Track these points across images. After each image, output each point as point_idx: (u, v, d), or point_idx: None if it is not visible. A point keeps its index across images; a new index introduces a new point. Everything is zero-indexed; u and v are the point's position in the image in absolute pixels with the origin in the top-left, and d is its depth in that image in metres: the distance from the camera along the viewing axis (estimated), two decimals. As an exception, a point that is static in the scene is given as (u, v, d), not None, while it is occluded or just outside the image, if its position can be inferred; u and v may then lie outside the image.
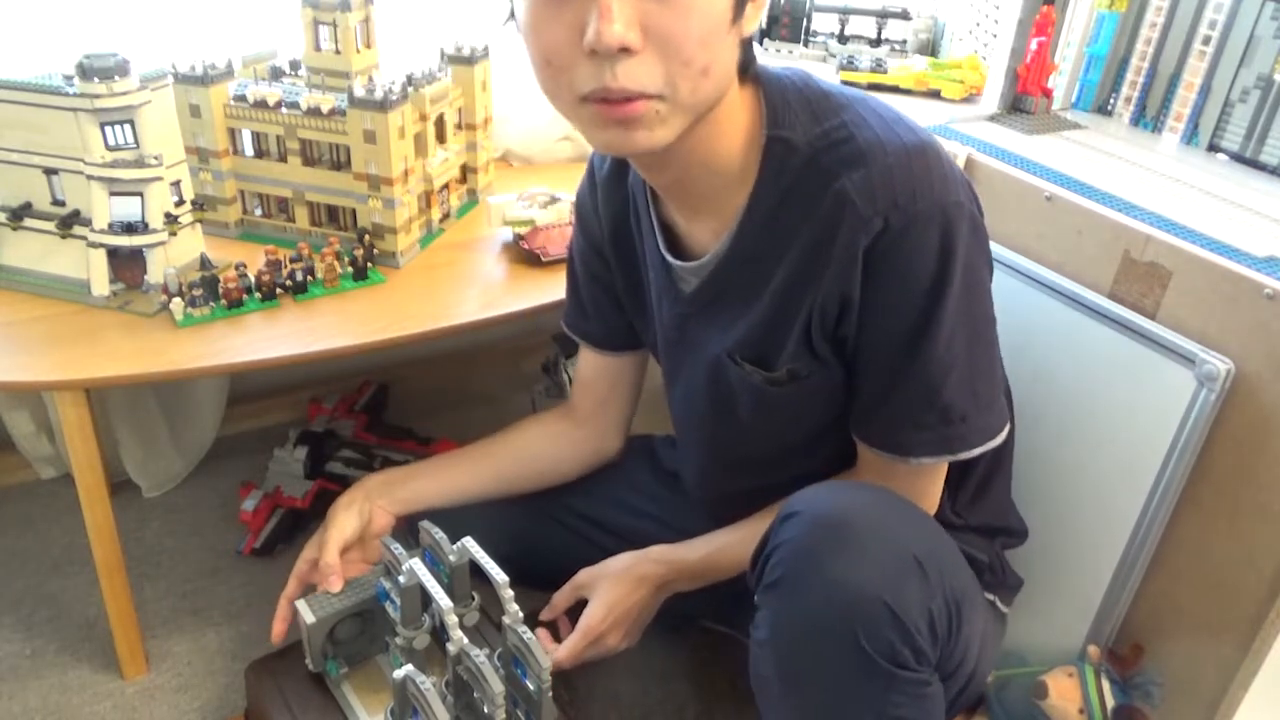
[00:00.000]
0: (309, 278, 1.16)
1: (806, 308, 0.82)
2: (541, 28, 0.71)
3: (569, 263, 1.08)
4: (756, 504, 0.97)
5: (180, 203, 1.14)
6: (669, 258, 0.90)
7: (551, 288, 1.18)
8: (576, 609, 1.01)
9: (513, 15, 0.76)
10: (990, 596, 1.01)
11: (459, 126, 1.39)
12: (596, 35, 0.67)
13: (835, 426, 0.89)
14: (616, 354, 1.08)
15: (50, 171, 1.10)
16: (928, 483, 0.89)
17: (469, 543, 0.92)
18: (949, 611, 0.78)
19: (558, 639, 0.99)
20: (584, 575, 1.02)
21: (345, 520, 1.01)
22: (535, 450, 1.12)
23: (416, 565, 0.90)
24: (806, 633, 0.76)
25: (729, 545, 0.97)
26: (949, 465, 0.88)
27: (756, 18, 0.76)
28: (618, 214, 0.97)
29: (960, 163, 1.15)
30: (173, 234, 1.12)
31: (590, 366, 1.11)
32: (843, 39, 1.59)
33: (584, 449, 1.13)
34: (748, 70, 0.80)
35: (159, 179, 1.09)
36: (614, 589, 0.98)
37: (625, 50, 0.68)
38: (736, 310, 0.87)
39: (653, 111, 0.72)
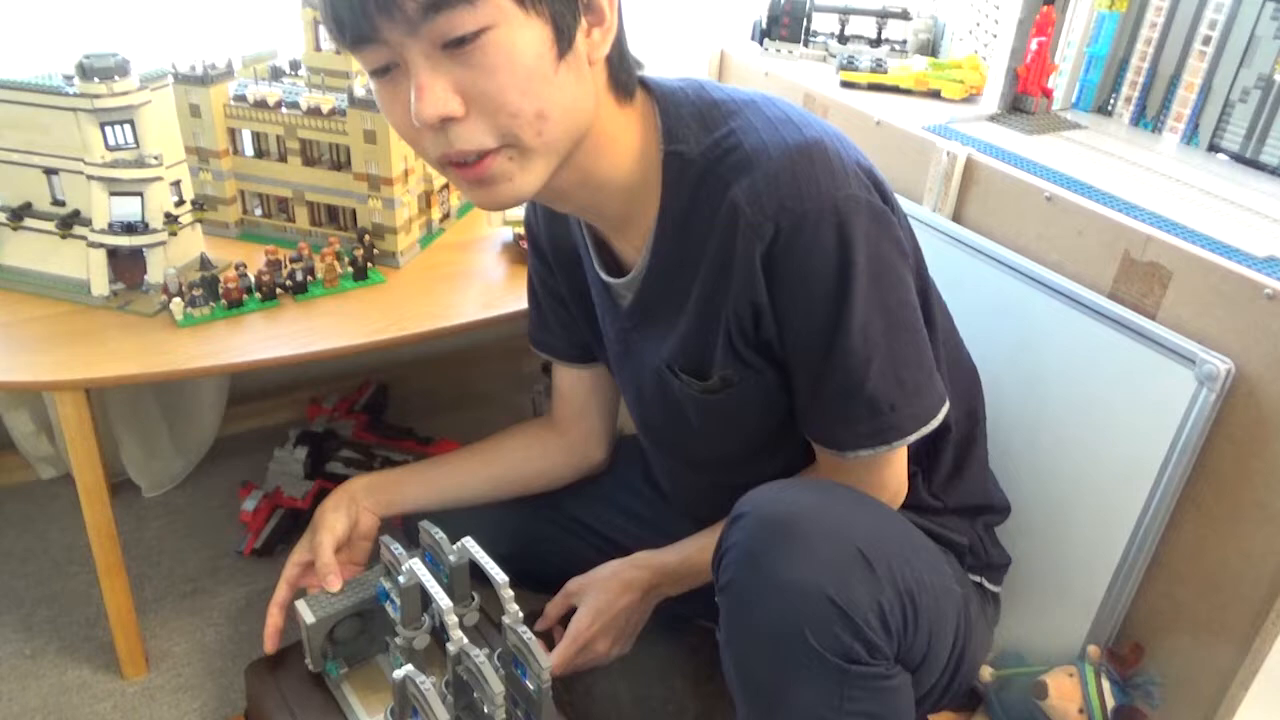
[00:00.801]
0: (309, 278, 1.16)
1: (724, 317, 0.82)
2: (387, 109, 0.74)
3: (528, 281, 1.08)
4: (730, 506, 0.97)
5: (180, 203, 1.14)
6: (604, 276, 0.91)
7: (551, 288, 1.17)
8: (569, 618, 1.01)
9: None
10: (976, 578, 1.01)
11: (459, 126, 1.39)
12: (416, 114, 0.69)
13: (790, 426, 0.89)
14: (587, 366, 1.08)
15: (50, 171, 1.10)
16: (880, 473, 0.88)
17: (469, 543, 0.92)
18: (902, 603, 0.78)
19: (552, 648, 0.99)
20: (573, 584, 1.03)
21: (335, 520, 1.01)
22: (521, 457, 1.13)
23: (416, 565, 0.90)
24: (757, 634, 0.77)
25: (706, 547, 0.97)
26: (918, 449, 0.88)
27: (605, 43, 0.75)
28: (559, 234, 0.97)
29: (960, 162, 1.15)
30: (173, 234, 1.12)
31: (564, 379, 1.11)
32: (843, 39, 1.59)
33: (568, 458, 1.14)
34: (626, 89, 0.80)
35: (159, 179, 1.09)
36: (601, 595, 0.99)
37: (449, 119, 0.69)
38: (667, 323, 0.88)
39: (505, 161, 0.73)
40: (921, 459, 0.93)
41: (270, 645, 1.01)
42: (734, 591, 0.78)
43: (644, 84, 0.83)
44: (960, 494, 0.99)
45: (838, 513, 0.80)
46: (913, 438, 0.84)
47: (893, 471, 0.89)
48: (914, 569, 0.81)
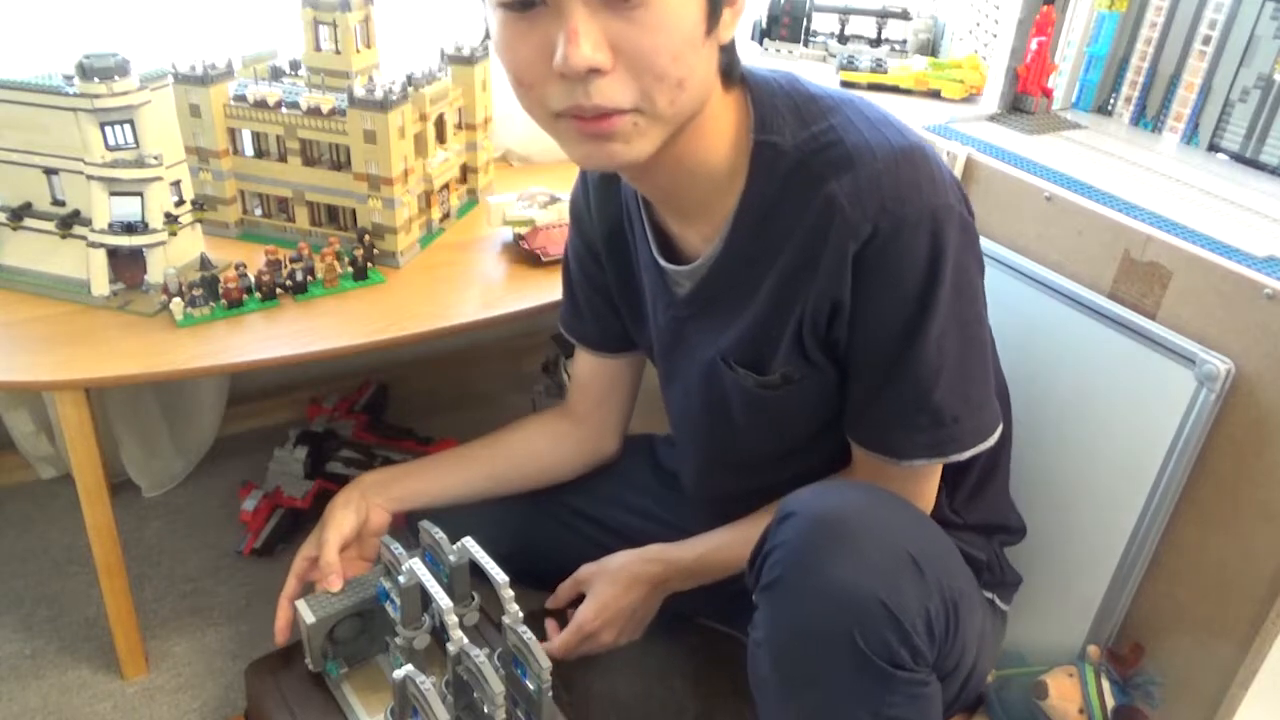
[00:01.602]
0: (309, 278, 1.16)
1: (798, 312, 0.82)
2: (512, 47, 0.71)
3: (564, 264, 1.08)
4: (754, 504, 0.97)
5: (180, 203, 1.14)
6: (662, 261, 0.90)
7: (551, 288, 1.17)
8: (580, 601, 1.02)
9: (488, 34, 0.75)
10: (989, 595, 1.01)
11: (459, 126, 1.39)
12: (564, 59, 0.67)
13: (831, 427, 0.89)
14: (612, 356, 1.08)
15: (50, 171, 1.10)
16: (922, 483, 0.88)
17: (469, 543, 0.92)
18: (946, 611, 0.78)
19: (563, 626, 1.00)
20: (584, 571, 1.03)
21: (343, 518, 1.01)
22: (532, 449, 1.12)
23: (416, 565, 0.90)
24: (803, 633, 0.76)
25: (725, 545, 0.97)
26: (944, 465, 0.88)
27: (734, 25, 0.75)
28: (611, 217, 0.97)
29: (960, 162, 1.15)
30: (173, 234, 1.12)
31: (587, 368, 1.11)
32: (843, 39, 1.59)
33: (581, 449, 1.13)
34: (731, 75, 0.80)
35: (159, 179, 1.09)
36: (608, 588, 1.00)
37: (595, 71, 0.67)
38: (729, 314, 0.87)
39: (630, 124, 0.71)
40: (946, 474, 0.93)
41: (281, 638, 1.01)
42: (780, 590, 0.77)
43: None
44: (979, 512, 0.99)
45: (886, 516, 0.79)
46: (970, 452, 0.85)
47: (931, 485, 0.89)
48: (956, 578, 0.81)
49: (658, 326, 0.97)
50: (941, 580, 0.77)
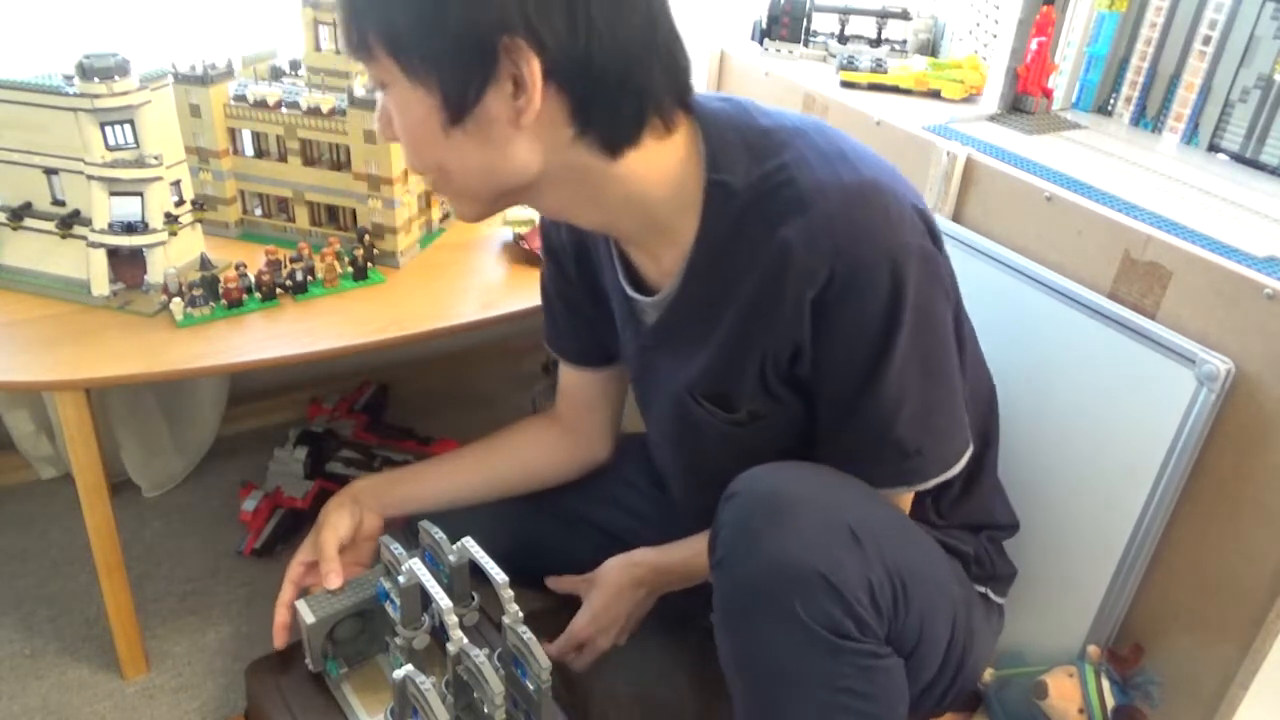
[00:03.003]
0: (309, 278, 1.16)
1: (759, 352, 0.82)
2: None
3: (542, 286, 1.07)
4: None
5: (180, 203, 1.14)
6: (629, 291, 0.90)
7: (551, 288, 1.17)
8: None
9: None
10: (981, 589, 1.01)
11: (459, 126, 1.39)
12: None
13: (804, 450, 0.88)
14: (594, 370, 1.08)
15: (50, 171, 1.10)
16: (894, 503, 0.88)
17: (469, 543, 0.92)
18: (892, 583, 0.78)
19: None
20: (581, 579, 1.05)
21: (339, 519, 1.02)
22: (524, 456, 1.13)
23: (416, 565, 0.90)
24: (748, 609, 0.77)
25: (703, 551, 0.97)
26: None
27: (529, 109, 0.71)
28: (580, 241, 0.96)
29: (960, 163, 1.15)
30: (173, 234, 1.12)
31: (570, 380, 1.11)
32: (843, 39, 1.59)
33: (572, 456, 1.14)
34: (616, 147, 0.75)
35: (159, 179, 1.09)
36: (600, 597, 1.02)
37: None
38: (694, 348, 0.87)
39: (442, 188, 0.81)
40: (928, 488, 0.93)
41: (279, 641, 1.01)
42: (727, 568, 0.78)
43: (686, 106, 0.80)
44: (965, 515, 0.99)
45: (828, 491, 0.80)
46: (931, 482, 0.85)
47: (904, 502, 0.89)
48: (905, 554, 0.81)
49: (628, 353, 0.97)
50: (884, 553, 0.78)
